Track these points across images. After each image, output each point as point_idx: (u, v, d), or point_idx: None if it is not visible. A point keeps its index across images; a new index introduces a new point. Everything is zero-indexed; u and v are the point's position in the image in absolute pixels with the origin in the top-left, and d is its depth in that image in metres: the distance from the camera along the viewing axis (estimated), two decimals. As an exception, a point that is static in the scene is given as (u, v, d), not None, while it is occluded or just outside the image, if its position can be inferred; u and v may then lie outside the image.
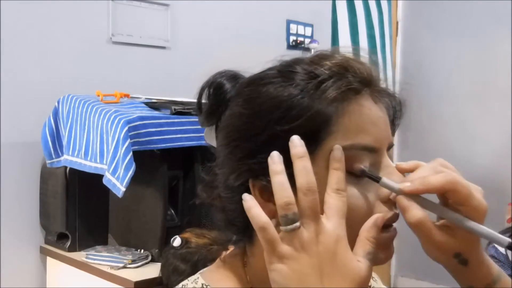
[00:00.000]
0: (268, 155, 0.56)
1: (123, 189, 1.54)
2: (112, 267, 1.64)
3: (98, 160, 1.66)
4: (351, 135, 0.58)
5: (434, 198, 0.58)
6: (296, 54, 0.65)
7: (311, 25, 2.97)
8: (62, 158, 1.81)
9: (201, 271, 0.70)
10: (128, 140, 1.54)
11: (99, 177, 1.63)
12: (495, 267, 0.61)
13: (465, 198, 0.55)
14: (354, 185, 0.58)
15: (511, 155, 3.11)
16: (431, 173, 0.56)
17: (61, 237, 1.86)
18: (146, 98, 1.94)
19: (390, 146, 0.62)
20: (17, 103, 1.91)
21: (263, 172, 0.57)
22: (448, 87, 3.49)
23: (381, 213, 0.58)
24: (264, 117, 0.59)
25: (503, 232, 1.22)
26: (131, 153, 1.54)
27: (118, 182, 1.55)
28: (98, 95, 1.79)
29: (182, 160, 1.76)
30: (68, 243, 1.81)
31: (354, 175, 0.58)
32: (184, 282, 0.68)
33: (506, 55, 3.19)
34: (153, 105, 1.83)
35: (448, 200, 0.57)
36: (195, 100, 0.70)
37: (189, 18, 2.40)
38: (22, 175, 1.93)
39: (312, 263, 0.54)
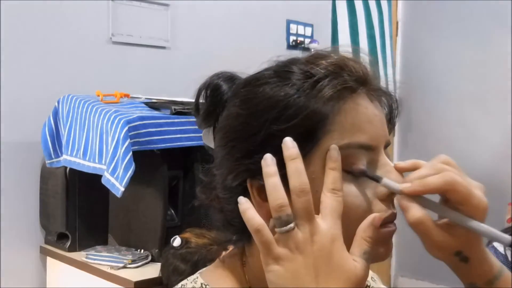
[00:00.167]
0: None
1: (122, 189, 1.54)
2: (112, 267, 1.64)
3: (97, 160, 1.66)
4: (348, 134, 0.58)
5: (435, 197, 0.58)
6: (296, 54, 0.65)
7: (311, 25, 2.97)
8: (61, 158, 1.81)
9: (200, 270, 0.70)
10: (128, 140, 1.54)
11: (99, 177, 1.63)
12: (497, 263, 0.60)
13: (465, 198, 0.55)
14: (352, 184, 0.58)
15: (511, 155, 3.11)
16: (430, 172, 0.56)
17: (61, 237, 1.86)
18: (146, 98, 1.94)
19: (387, 145, 0.62)
20: (17, 103, 1.91)
21: (261, 172, 0.57)
22: (448, 87, 3.49)
23: (378, 213, 0.58)
24: (260, 117, 0.59)
25: (503, 232, 1.22)
26: (130, 153, 1.54)
27: (117, 182, 1.55)
28: (98, 95, 1.79)
29: (182, 160, 1.76)
30: (68, 243, 1.82)
31: (351, 174, 0.58)
32: (184, 281, 0.68)
33: (506, 55, 3.19)
34: (153, 105, 1.83)
35: (448, 199, 0.57)
36: (193, 101, 0.70)
37: (189, 18, 2.40)
38: (22, 175, 1.93)
39: (307, 263, 0.54)
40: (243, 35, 2.60)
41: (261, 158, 0.57)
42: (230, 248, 0.70)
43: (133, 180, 1.54)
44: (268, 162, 0.56)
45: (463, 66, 3.42)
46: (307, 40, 2.94)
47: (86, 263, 1.71)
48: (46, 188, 1.89)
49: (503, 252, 1.29)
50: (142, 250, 1.70)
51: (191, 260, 0.97)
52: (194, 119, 0.73)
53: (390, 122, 0.66)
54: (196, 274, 0.69)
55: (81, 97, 1.79)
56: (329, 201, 0.56)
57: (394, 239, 0.61)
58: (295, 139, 0.57)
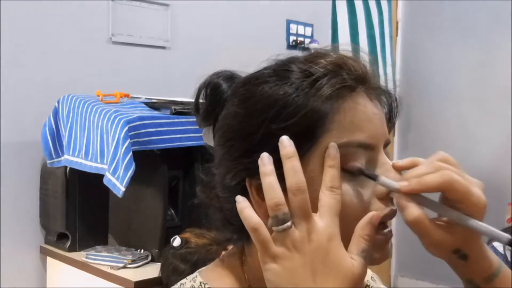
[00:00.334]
0: None
1: (123, 189, 1.54)
2: (112, 267, 1.64)
3: (98, 160, 1.66)
4: (347, 133, 0.58)
5: (435, 194, 0.57)
6: (297, 54, 0.65)
7: (311, 25, 2.97)
8: (62, 158, 1.81)
9: (199, 270, 0.70)
10: (128, 140, 1.54)
11: (99, 177, 1.63)
12: (496, 260, 0.60)
13: (463, 196, 0.55)
14: (350, 182, 0.58)
15: (511, 155, 3.11)
16: (428, 170, 0.56)
17: (61, 237, 1.86)
18: (146, 98, 1.94)
19: (387, 144, 0.62)
20: (17, 103, 1.91)
21: (259, 171, 0.57)
22: (448, 87, 3.49)
23: (376, 211, 0.58)
24: (259, 116, 0.59)
25: (503, 232, 1.22)
26: (131, 153, 1.54)
27: (118, 182, 1.55)
28: (98, 95, 1.79)
29: (182, 160, 1.76)
30: (68, 243, 1.82)
31: (350, 172, 0.58)
32: (183, 280, 0.68)
33: (506, 55, 3.19)
34: (153, 105, 1.83)
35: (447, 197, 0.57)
36: (193, 100, 0.70)
37: (189, 18, 2.40)
38: (22, 175, 1.93)
39: (305, 261, 0.54)
40: (243, 35, 2.60)
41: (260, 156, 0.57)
42: (230, 247, 0.70)
43: (133, 180, 1.54)
44: (265, 161, 0.57)
45: (463, 66, 3.42)
46: (307, 40, 2.94)
47: (86, 263, 1.71)
48: (46, 188, 1.89)
49: (502, 252, 1.30)
50: (142, 250, 1.70)
51: (191, 260, 0.98)
52: (194, 119, 0.73)
53: (390, 121, 0.66)
54: (195, 273, 0.69)
55: (81, 97, 1.79)
56: (327, 199, 0.56)
57: (394, 239, 0.61)
58: (293, 138, 0.57)
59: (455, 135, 3.40)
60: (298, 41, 2.89)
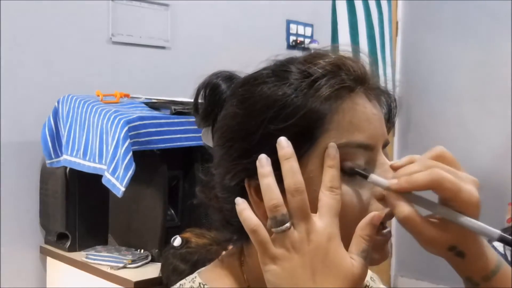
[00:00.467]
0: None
1: (123, 189, 1.54)
2: (112, 267, 1.64)
3: (97, 160, 1.66)
4: (346, 133, 0.58)
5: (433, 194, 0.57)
6: (296, 54, 0.65)
7: (311, 25, 2.97)
8: (61, 158, 1.81)
9: (198, 270, 0.70)
10: (128, 140, 1.54)
11: (99, 177, 1.63)
12: (495, 257, 0.60)
13: (454, 194, 0.54)
14: (349, 183, 0.58)
15: (511, 155, 3.11)
16: (418, 169, 0.56)
17: (61, 237, 1.86)
18: (146, 98, 1.94)
19: (386, 144, 0.62)
20: (17, 103, 1.91)
21: (257, 171, 0.57)
22: (448, 87, 3.49)
23: (377, 212, 0.58)
24: (258, 116, 0.59)
25: (502, 232, 1.22)
26: (131, 153, 1.54)
27: (117, 182, 1.55)
28: (98, 95, 1.79)
29: (182, 160, 1.76)
30: (68, 243, 1.82)
31: (348, 173, 0.58)
32: (182, 281, 0.68)
33: (506, 55, 3.19)
34: (153, 105, 1.83)
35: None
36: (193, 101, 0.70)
37: (189, 18, 2.40)
38: (22, 175, 1.93)
39: (304, 262, 0.54)
40: (243, 35, 2.60)
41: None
42: (230, 247, 0.70)
43: (133, 180, 1.54)
44: (263, 162, 0.57)
45: (463, 66, 3.42)
46: (307, 40, 2.94)
47: (86, 263, 1.71)
48: (46, 188, 1.89)
49: (502, 252, 1.30)
50: (142, 250, 1.70)
51: (191, 260, 0.97)
52: (194, 119, 0.73)
53: (389, 121, 0.66)
54: (195, 274, 0.69)
55: (81, 97, 1.79)
56: (326, 199, 0.56)
57: (394, 239, 0.61)
58: (292, 138, 0.57)
59: (455, 135, 3.40)
60: (298, 41, 2.89)
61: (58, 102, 1.83)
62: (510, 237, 0.54)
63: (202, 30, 2.44)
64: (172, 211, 1.78)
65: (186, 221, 1.74)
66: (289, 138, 0.57)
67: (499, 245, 1.28)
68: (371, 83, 0.62)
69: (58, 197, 1.82)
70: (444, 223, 0.56)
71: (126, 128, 1.55)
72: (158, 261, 1.64)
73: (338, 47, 0.65)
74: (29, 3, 1.93)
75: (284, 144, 0.56)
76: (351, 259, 0.55)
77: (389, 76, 3.46)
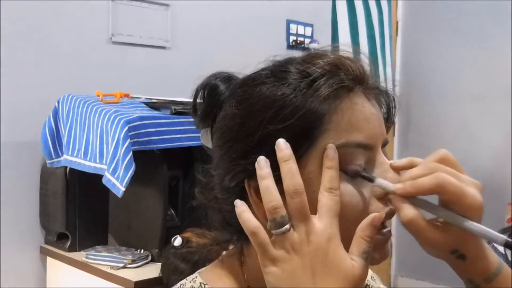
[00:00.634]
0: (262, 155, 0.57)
1: (123, 189, 1.54)
2: (112, 267, 1.64)
3: (97, 160, 1.66)
4: (344, 133, 0.58)
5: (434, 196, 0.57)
6: (296, 54, 0.65)
7: (311, 25, 2.97)
8: (62, 158, 1.81)
9: (199, 270, 0.70)
10: (128, 140, 1.54)
11: (99, 177, 1.63)
12: (496, 260, 0.60)
13: (457, 198, 0.55)
14: (349, 183, 0.58)
15: (511, 155, 3.11)
16: (423, 172, 0.56)
17: (61, 237, 1.86)
18: (146, 98, 1.94)
19: (385, 143, 0.62)
20: (17, 103, 1.91)
21: (256, 172, 0.57)
22: (448, 87, 3.49)
23: (378, 213, 0.58)
24: (257, 117, 0.59)
25: (502, 232, 1.22)
26: (131, 153, 1.54)
27: (117, 182, 1.55)
28: (98, 95, 1.79)
29: (182, 160, 1.76)
30: (68, 243, 1.82)
31: (350, 174, 0.58)
32: (183, 281, 0.68)
33: (506, 55, 3.19)
34: (153, 105, 1.83)
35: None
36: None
37: (189, 18, 2.40)
38: (22, 175, 1.93)
39: (304, 263, 0.54)
40: (243, 35, 2.60)
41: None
42: (231, 247, 0.70)
43: (133, 180, 1.54)
44: (262, 164, 0.57)
45: (463, 66, 3.42)
46: (307, 40, 2.94)
47: (86, 263, 1.71)
48: (46, 188, 1.89)
49: (503, 252, 1.29)
50: (142, 250, 1.70)
51: (192, 260, 0.97)
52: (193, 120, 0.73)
53: (388, 120, 0.66)
54: (195, 274, 0.69)
55: (81, 97, 1.79)
56: (325, 200, 0.56)
57: (394, 239, 0.61)
58: (291, 139, 0.57)
59: (455, 135, 3.40)
60: (298, 41, 2.89)
61: (58, 102, 1.83)
62: None
63: (202, 30, 2.44)
64: (172, 211, 1.78)
65: (186, 221, 1.73)
66: (288, 139, 0.57)
67: (499, 246, 1.28)
68: (370, 82, 0.62)
69: (58, 197, 1.82)
70: (447, 226, 0.56)
71: (126, 128, 1.55)
72: (158, 261, 1.64)
73: (338, 47, 0.65)
74: (29, 3, 1.93)
75: (282, 146, 0.56)
76: (352, 260, 0.55)
77: (388, 76, 3.46)
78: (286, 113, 0.58)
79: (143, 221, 1.72)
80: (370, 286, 0.79)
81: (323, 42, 2.96)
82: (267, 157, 0.57)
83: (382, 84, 0.65)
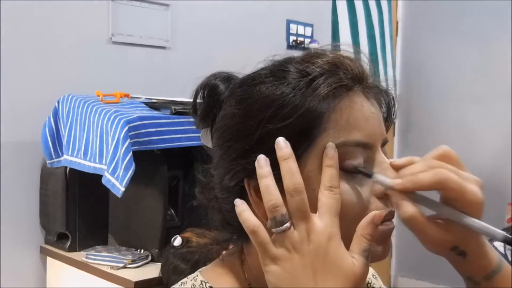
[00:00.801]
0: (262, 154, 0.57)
1: (123, 189, 1.54)
2: (112, 267, 1.64)
3: (97, 160, 1.66)
4: (344, 132, 0.58)
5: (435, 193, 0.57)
6: (296, 54, 0.65)
7: (311, 25, 2.97)
8: (62, 158, 1.81)
9: (200, 269, 0.70)
10: (128, 140, 1.54)
11: (99, 177, 1.63)
12: (496, 257, 0.60)
13: (458, 194, 0.55)
14: (349, 182, 0.58)
15: (511, 155, 3.11)
16: (423, 169, 0.56)
17: (61, 237, 1.86)
18: (146, 98, 1.94)
19: (385, 143, 0.62)
20: (17, 103, 1.91)
21: (256, 171, 0.57)
22: (448, 87, 3.49)
23: (378, 211, 0.57)
24: (256, 116, 0.59)
25: (503, 231, 1.22)
26: (131, 153, 1.54)
27: (117, 182, 1.55)
28: (98, 95, 1.79)
29: (182, 160, 1.76)
30: (68, 243, 1.82)
31: (348, 171, 0.58)
32: (184, 280, 0.68)
33: (506, 55, 3.19)
34: (153, 105, 1.83)
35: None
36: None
37: (189, 18, 2.40)
38: (22, 175, 1.93)
39: (304, 262, 0.54)
40: (243, 35, 2.60)
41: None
42: (231, 247, 0.70)
43: (133, 180, 1.54)
44: (261, 163, 0.57)
45: (463, 66, 3.42)
46: (307, 40, 2.94)
47: (86, 263, 1.71)
48: (46, 188, 1.89)
49: (503, 252, 1.30)
50: (142, 250, 1.70)
51: (192, 260, 0.98)
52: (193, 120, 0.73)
53: (388, 120, 0.66)
54: (196, 273, 0.69)
55: (81, 97, 1.79)
56: (325, 199, 0.56)
57: (394, 239, 0.61)
58: (291, 138, 0.57)
59: (455, 135, 3.40)
60: (298, 41, 2.89)
61: (58, 102, 1.83)
62: None
63: (202, 30, 2.44)
64: (172, 211, 1.78)
65: (186, 221, 1.74)
66: (288, 138, 0.57)
67: (499, 245, 1.28)
68: (369, 82, 0.62)
69: (58, 197, 1.82)
70: (447, 223, 0.56)
71: (126, 128, 1.55)
72: (158, 261, 1.64)
73: (337, 46, 0.65)
74: (29, 3, 1.93)
75: (282, 145, 0.56)
76: (352, 258, 0.55)
77: (388, 75, 3.46)
78: (285, 112, 0.58)
79: (143, 221, 1.72)
80: (372, 285, 0.79)
81: (323, 42, 2.95)
82: (266, 156, 0.57)
83: (382, 83, 0.66)
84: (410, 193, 0.56)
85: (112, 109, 1.65)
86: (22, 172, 1.93)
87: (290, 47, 2.86)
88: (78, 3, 2.05)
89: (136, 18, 2.21)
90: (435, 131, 3.52)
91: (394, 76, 3.59)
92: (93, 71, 2.09)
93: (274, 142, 0.57)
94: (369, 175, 0.58)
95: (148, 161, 1.64)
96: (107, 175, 1.59)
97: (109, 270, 1.63)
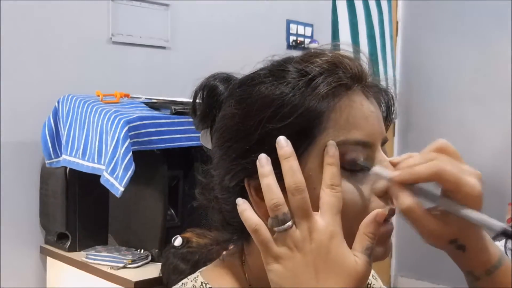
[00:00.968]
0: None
1: (122, 189, 1.54)
2: (112, 267, 1.64)
3: (95, 160, 1.66)
4: (343, 131, 0.58)
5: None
6: (295, 54, 0.65)
7: (311, 25, 2.97)
8: (61, 158, 1.81)
9: (200, 269, 0.70)
10: (128, 140, 1.54)
11: (99, 177, 1.63)
12: (497, 252, 0.60)
13: (455, 186, 0.54)
14: (349, 180, 0.58)
15: (511, 155, 3.11)
16: (421, 161, 0.56)
17: (61, 237, 1.86)
18: (146, 98, 1.94)
19: (385, 141, 0.62)
20: (17, 103, 1.91)
21: (257, 171, 0.57)
22: (448, 87, 3.49)
23: (381, 209, 0.58)
24: (256, 116, 0.59)
25: (503, 231, 1.22)
26: (130, 153, 1.54)
27: (116, 182, 1.55)
28: (98, 95, 1.79)
29: (182, 160, 1.76)
30: (68, 243, 1.82)
31: (348, 170, 0.58)
32: (184, 280, 0.68)
33: (506, 55, 3.19)
34: (153, 105, 1.83)
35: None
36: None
37: (189, 18, 2.40)
38: (22, 175, 1.93)
39: (306, 261, 0.54)
40: (243, 35, 2.60)
41: (257, 157, 0.57)
42: (231, 247, 0.70)
43: (133, 180, 1.54)
44: (263, 162, 0.57)
45: (463, 66, 3.42)
46: (307, 40, 2.94)
47: (86, 263, 1.71)
48: (46, 188, 1.89)
49: (504, 251, 1.29)
50: (142, 250, 1.70)
51: (192, 260, 0.97)
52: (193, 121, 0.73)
53: (387, 119, 0.66)
54: (197, 273, 0.69)
55: (81, 97, 1.79)
56: (327, 197, 0.56)
57: (394, 239, 0.61)
58: (291, 137, 0.57)
59: (455, 135, 3.40)
60: (298, 41, 2.89)
61: (58, 102, 1.83)
62: None
63: (202, 30, 2.44)
64: (172, 211, 1.78)
65: (186, 221, 1.74)
66: (288, 137, 0.57)
67: (500, 245, 1.28)
68: (368, 80, 0.62)
69: (58, 197, 1.82)
70: (446, 215, 0.56)
71: (126, 128, 1.55)
72: (158, 261, 1.64)
73: (336, 45, 0.66)
74: (29, 3, 1.93)
75: (283, 144, 0.56)
76: (355, 257, 0.55)
77: (388, 75, 3.46)
78: (285, 111, 0.58)
79: (143, 221, 1.72)
80: (372, 285, 0.79)
81: (323, 42, 2.94)
82: (267, 155, 0.57)
83: (381, 82, 0.66)
84: (409, 186, 0.56)
85: (112, 109, 1.65)
86: (22, 172, 1.93)
87: (290, 47, 2.86)
88: (78, 3, 2.05)
89: (136, 18, 2.21)
90: (435, 131, 3.52)
91: (394, 76, 3.59)
92: (93, 71, 2.09)
93: (274, 142, 0.57)
94: (368, 168, 0.58)
95: (148, 161, 1.64)
96: (105, 175, 1.59)
97: (109, 270, 1.63)
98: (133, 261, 1.64)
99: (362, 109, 0.60)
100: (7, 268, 1.90)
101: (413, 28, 3.68)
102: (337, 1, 3.17)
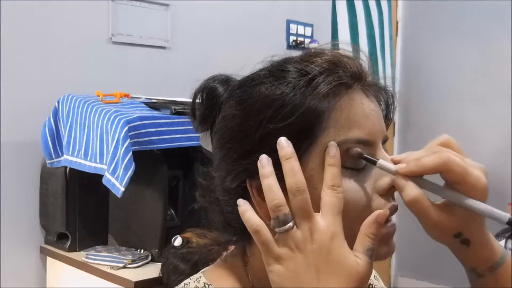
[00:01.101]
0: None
1: (122, 189, 1.54)
2: (112, 267, 1.64)
3: (97, 160, 1.66)
4: (344, 130, 0.58)
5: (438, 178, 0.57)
6: (295, 54, 0.65)
7: (311, 25, 2.97)
8: (62, 158, 1.81)
9: (203, 270, 0.70)
10: (128, 140, 1.54)
11: (99, 177, 1.63)
12: (499, 248, 0.60)
13: (461, 177, 0.55)
14: (351, 179, 0.58)
15: (511, 155, 3.11)
16: (426, 154, 0.56)
17: (61, 237, 1.86)
18: (146, 98, 1.94)
19: (385, 140, 0.62)
20: (17, 103, 1.91)
21: (259, 171, 0.57)
22: (448, 87, 3.49)
23: (382, 210, 0.57)
24: (256, 116, 0.59)
25: (503, 231, 1.22)
26: (130, 153, 1.54)
27: (117, 182, 1.55)
28: (98, 95, 1.79)
29: (182, 160, 1.76)
30: (68, 243, 1.82)
31: (350, 169, 0.58)
32: (187, 281, 0.68)
33: (506, 55, 3.19)
34: (153, 105, 1.83)
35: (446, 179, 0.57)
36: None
37: (189, 18, 2.40)
38: (22, 175, 1.93)
39: (308, 261, 0.54)
40: (243, 35, 2.60)
41: (259, 157, 0.57)
42: (232, 247, 0.70)
43: (133, 180, 1.54)
44: (264, 163, 0.57)
45: (463, 66, 3.42)
46: (307, 40, 2.94)
47: (86, 263, 1.71)
48: (46, 188, 1.89)
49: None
50: (142, 250, 1.70)
51: (192, 260, 0.98)
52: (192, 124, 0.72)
53: (387, 117, 0.66)
54: (199, 274, 0.69)
55: (81, 97, 1.79)
56: (328, 198, 0.56)
57: (394, 239, 0.61)
58: (292, 137, 0.57)
59: (455, 135, 3.32)
60: (298, 41, 2.89)
61: (58, 102, 1.83)
62: None
63: (202, 30, 2.44)
64: (172, 211, 1.78)
65: (186, 221, 1.74)
66: (289, 137, 0.57)
67: (501, 242, 1.28)
68: (368, 79, 0.62)
69: (58, 197, 1.82)
70: (451, 208, 0.56)
71: (126, 128, 1.55)
72: (158, 261, 1.64)
73: (336, 45, 0.66)
74: (29, 3, 1.93)
75: (284, 144, 0.56)
76: (356, 258, 0.55)
77: (388, 74, 3.46)
78: (285, 111, 0.58)
79: (143, 221, 1.72)
80: (373, 286, 0.79)
81: (323, 42, 2.92)
82: (268, 156, 0.57)
83: (381, 81, 0.66)
84: (415, 178, 0.56)
85: (112, 109, 1.65)
86: (22, 172, 1.93)
87: (290, 47, 2.86)
88: (78, 3, 2.05)
89: (136, 18, 2.21)
90: (435, 131, 3.51)
91: (394, 76, 3.59)
92: (93, 71, 2.09)
93: (275, 142, 0.57)
94: (373, 162, 0.58)
95: (148, 161, 1.64)
96: (107, 175, 1.59)
97: (109, 270, 1.63)
98: (133, 261, 1.64)
99: (363, 108, 0.60)
100: (7, 268, 1.90)
101: (413, 28, 3.68)
102: (337, 1, 3.17)
